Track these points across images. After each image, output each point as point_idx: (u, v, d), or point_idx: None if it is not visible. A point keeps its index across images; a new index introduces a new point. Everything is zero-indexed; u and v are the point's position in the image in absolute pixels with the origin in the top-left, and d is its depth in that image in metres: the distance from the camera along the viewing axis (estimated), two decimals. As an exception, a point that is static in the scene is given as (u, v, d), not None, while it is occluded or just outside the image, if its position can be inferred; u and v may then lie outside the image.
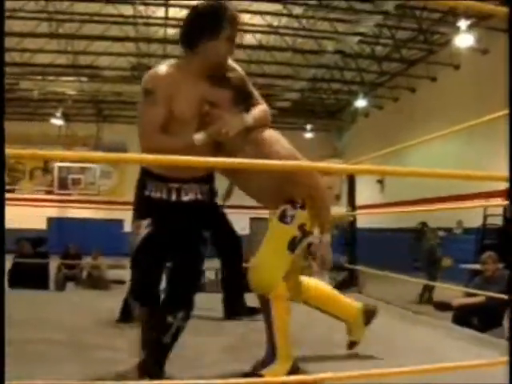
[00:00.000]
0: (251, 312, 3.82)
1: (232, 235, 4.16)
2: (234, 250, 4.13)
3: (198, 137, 2.26)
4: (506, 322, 4.69)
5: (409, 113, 16.14)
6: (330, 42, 14.45)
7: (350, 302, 3.00)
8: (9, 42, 13.56)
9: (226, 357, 2.96)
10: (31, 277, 7.20)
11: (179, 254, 2.39)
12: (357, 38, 13.91)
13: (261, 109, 2.49)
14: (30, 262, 7.58)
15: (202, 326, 3.44)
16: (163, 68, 2.33)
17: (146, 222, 2.37)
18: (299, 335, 2.91)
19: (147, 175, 2.38)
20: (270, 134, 2.53)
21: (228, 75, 2.41)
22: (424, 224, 11.02)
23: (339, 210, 5.80)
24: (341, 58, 15.21)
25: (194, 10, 2.34)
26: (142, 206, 2.42)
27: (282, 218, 2.53)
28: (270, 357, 2.53)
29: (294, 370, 2.54)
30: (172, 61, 2.40)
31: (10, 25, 12.47)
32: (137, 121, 2.46)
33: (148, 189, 2.37)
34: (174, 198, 2.36)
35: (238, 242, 4.19)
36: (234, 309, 4.03)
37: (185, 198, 2.37)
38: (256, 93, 2.55)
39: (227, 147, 2.38)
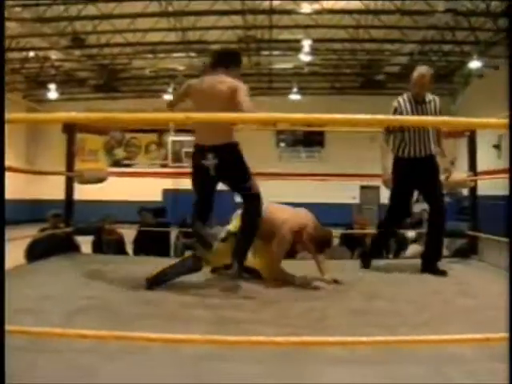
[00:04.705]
0: None
1: None
2: None
3: None
4: None
5: (528, 71, 14.72)
6: (441, 0, 13.36)
7: None
8: (121, 23, 14.24)
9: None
10: (153, 245, 7.39)
11: None
12: (470, -6, 12.87)
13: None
14: (152, 231, 7.69)
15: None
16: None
17: None
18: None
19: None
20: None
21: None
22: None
23: (458, 175, 5.44)
24: (452, 16, 14.06)
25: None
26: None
27: None
28: None
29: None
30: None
31: (122, 7, 13.28)
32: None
33: None
34: None
35: None
36: None
37: None
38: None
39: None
